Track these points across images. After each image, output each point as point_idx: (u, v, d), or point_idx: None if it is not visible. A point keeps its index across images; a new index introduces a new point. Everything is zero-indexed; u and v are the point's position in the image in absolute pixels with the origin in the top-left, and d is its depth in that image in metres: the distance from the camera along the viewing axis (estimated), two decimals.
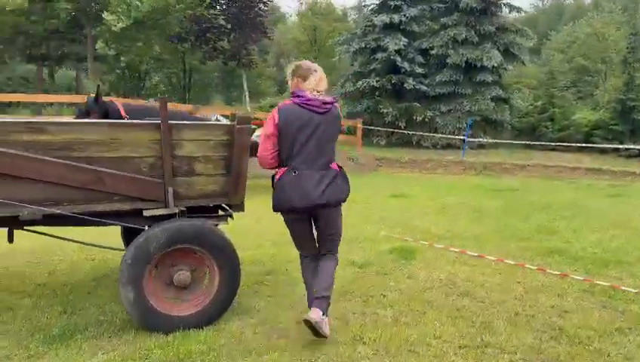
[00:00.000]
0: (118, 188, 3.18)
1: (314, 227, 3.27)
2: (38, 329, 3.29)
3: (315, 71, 3.16)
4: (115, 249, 3.73)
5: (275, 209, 3.19)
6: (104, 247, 3.66)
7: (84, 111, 3.66)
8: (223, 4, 23.93)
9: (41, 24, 17.48)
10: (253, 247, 5.39)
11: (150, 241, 3.10)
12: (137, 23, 16.53)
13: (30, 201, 3.01)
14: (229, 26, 22.57)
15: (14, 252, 4.83)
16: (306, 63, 3.21)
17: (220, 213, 3.67)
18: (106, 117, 3.62)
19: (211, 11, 21.02)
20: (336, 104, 3.22)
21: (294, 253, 3.51)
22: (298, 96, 3.10)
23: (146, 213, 3.27)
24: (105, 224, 3.29)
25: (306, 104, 3.06)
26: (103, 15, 15.52)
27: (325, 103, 3.10)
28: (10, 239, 3.52)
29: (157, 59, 24.61)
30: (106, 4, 15.91)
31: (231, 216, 3.61)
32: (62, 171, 3.03)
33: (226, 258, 3.30)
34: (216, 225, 3.58)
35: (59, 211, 3.07)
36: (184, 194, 3.37)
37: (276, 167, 3.17)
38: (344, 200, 3.19)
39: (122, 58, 17.30)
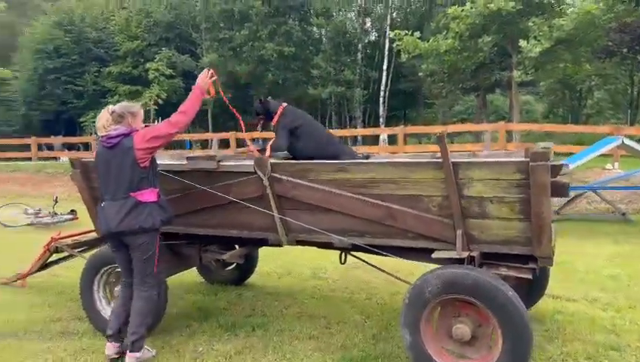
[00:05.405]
0: (408, 226, 3.17)
1: None
2: (338, 348, 3.63)
3: None
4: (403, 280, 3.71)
5: None
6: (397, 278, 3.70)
7: (256, 113, 4.04)
8: None
9: (470, 59, 18.92)
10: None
11: (426, 286, 2.94)
12: (560, 43, 15.64)
13: (337, 231, 3.40)
14: None
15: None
16: None
17: (530, 265, 3.08)
18: (268, 114, 3.95)
19: None
20: None
21: None
22: None
23: (434, 255, 3.14)
24: (402, 258, 3.36)
25: None
26: (520, 43, 15.42)
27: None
28: (342, 261, 4.03)
29: (600, 76, 22.64)
30: (527, 30, 15.74)
31: (534, 269, 2.99)
32: (359, 206, 3.27)
33: (508, 318, 2.74)
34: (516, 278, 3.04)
35: (358, 242, 3.35)
36: (477, 237, 3.04)
37: None
38: None
39: (542, 83, 16.76)
